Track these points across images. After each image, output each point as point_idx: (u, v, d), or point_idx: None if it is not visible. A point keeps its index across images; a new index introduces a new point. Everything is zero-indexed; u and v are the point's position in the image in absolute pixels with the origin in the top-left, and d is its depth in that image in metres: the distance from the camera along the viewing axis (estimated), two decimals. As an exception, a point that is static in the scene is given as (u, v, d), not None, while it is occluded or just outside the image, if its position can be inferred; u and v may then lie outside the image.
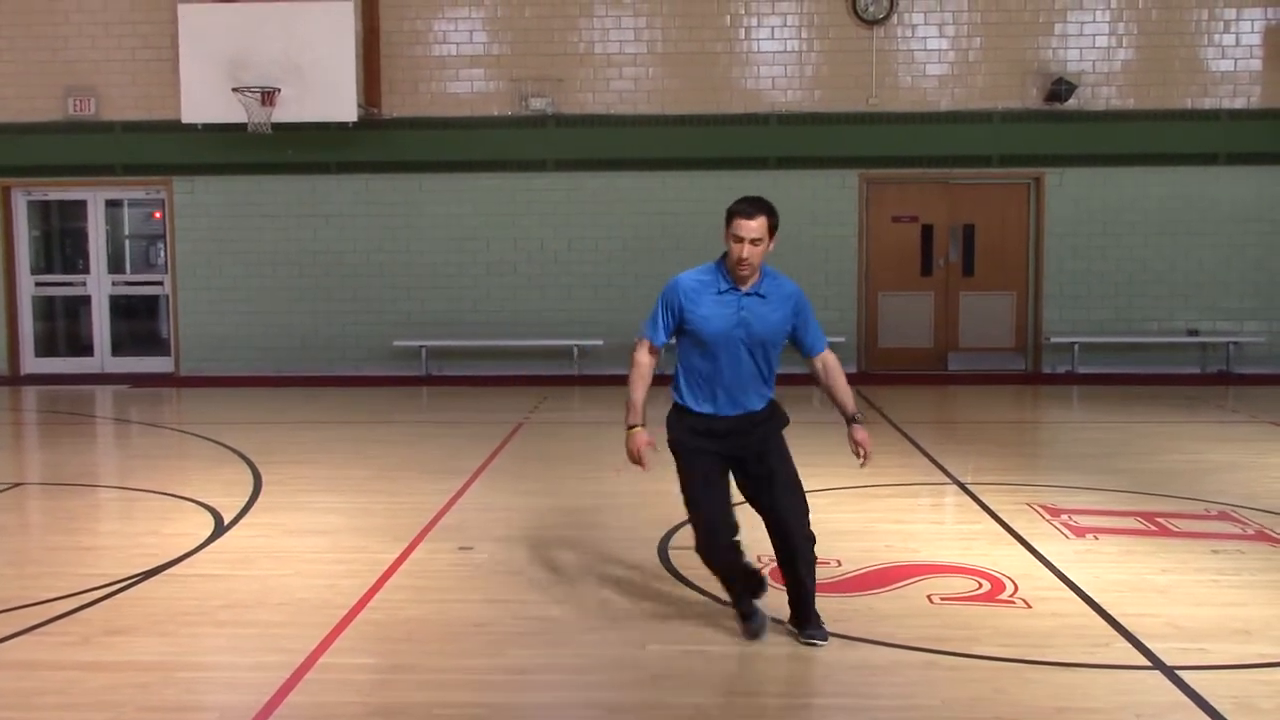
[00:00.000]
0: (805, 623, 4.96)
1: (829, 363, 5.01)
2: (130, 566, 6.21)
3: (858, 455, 5.01)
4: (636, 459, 4.86)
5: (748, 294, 4.77)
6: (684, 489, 4.89)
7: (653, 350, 4.91)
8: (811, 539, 4.88)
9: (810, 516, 4.89)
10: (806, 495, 4.91)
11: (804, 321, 4.90)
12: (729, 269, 4.77)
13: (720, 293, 4.77)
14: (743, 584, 5.02)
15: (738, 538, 4.88)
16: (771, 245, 4.73)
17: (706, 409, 4.81)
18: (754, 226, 4.64)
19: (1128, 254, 14.95)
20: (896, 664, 4.74)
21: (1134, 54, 14.81)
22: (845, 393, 5.00)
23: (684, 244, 14.53)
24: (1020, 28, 14.79)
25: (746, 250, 4.65)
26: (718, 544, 4.84)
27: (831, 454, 9.67)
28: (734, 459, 4.85)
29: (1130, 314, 15.02)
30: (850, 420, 4.98)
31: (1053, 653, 4.84)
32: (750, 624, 5.01)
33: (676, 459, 4.90)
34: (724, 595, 5.54)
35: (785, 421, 4.98)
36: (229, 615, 5.45)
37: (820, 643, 4.88)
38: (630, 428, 4.87)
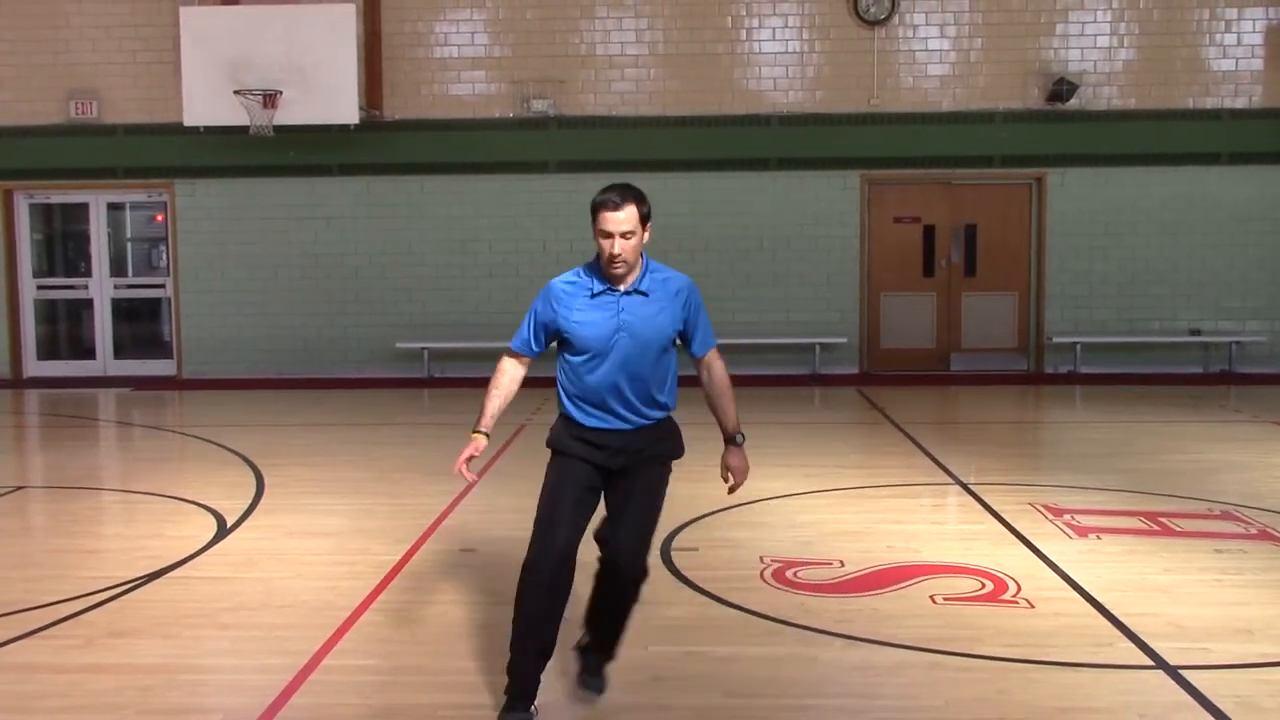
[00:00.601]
0: (590, 668, 4.44)
1: (715, 367, 4.41)
2: (133, 569, 6.21)
3: (725, 480, 4.46)
4: (460, 464, 4.34)
5: (627, 293, 4.21)
6: (542, 494, 4.30)
7: (516, 358, 4.47)
8: (637, 579, 4.29)
9: (647, 560, 4.28)
10: (652, 536, 4.31)
11: (693, 318, 4.32)
12: (602, 268, 4.21)
13: (594, 295, 4.21)
14: (521, 662, 4.22)
15: (564, 587, 4.22)
16: (646, 236, 4.17)
17: (594, 423, 4.27)
18: (622, 219, 4.07)
19: (1130, 254, 14.94)
20: (899, 664, 4.74)
21: (1135, 54, 14.80)
22: (729, 405, 4.39)
23: (685, 245, 14.54)
24: (1022, 28, 14.79)
25: (617, 245, 4.08)
26: (550, 561, 4.15)
27: (832, 455, 9.66)
28: (608, 470, 4.29)
29: (1132, 314, 15.00)
30: (728, 440, 4.41)
31: (1056, 653, 4.83)
32: (507, 715, 4.19)
33: (550, 460, 4.40)
34: (729, 597, 5.54)
35: (678, 452, 4.40)
36: (232, 617, 5.46)
37: (595, 693, 4.40)
38: (473, 432, 4.39)
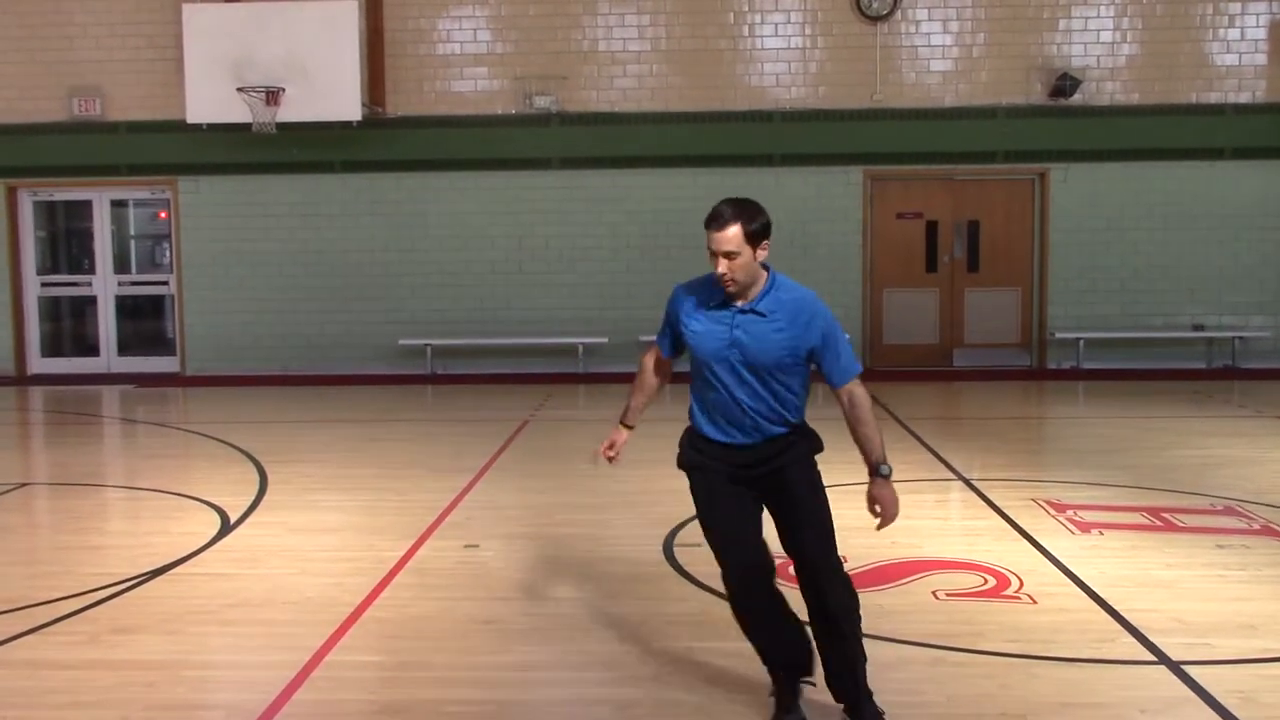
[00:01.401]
0: (853, 708, 4.11)
1: (854, 397, 4.07)
2: (137, 566, 6.23)
3: (874, 514, 4.11)
4: (600, 451, 4.38)
5: (743, 311, 3.99)
6: (699, 515, 4.21)
7: (659, 357, 4.34)
8: (848, 585, 4.10)
9: (836, 559, 4.11)
10: (834, 539, 4.10)
11: (824, 345, 4.01)
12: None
13: (711, 307, 4.05)
14: (778, 654, 4.22)
15: (768, 573, 4.14)
16: (759, 254, 3.95)
17: (717, 436, 4.10)
18: (727, 237, 3.88)
19: (1133, 249, 14.93)
20: (902, 660, 4.75)
21: (1139, 49, 14.79)
22: (872, 435, 4.05)
23: (688, 242, 14.39)
24: (1024, 23, 14.78)
25: (723, 265, 3.90)
26: (738, 576, 4.10)
27: (835, 451, 9.67)
28: (752, 484, 4.11)
29: (1135, 309, 14.99)
30: (872, 471, 4.07)
31: (1058, 648, 4.84)
32: (787, 717, 4.18)
33: (689, 479, 4.22)
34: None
35: (818, 447, 4.16)
36: (236, 614, 5.47)
37: None
38: (618, 424, 4.43)
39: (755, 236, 3.92)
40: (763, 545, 4.13)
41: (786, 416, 4.08)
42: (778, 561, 4.21)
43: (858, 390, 4.09)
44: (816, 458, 4.16)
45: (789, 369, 4.02)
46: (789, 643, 4.22)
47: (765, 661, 4.27)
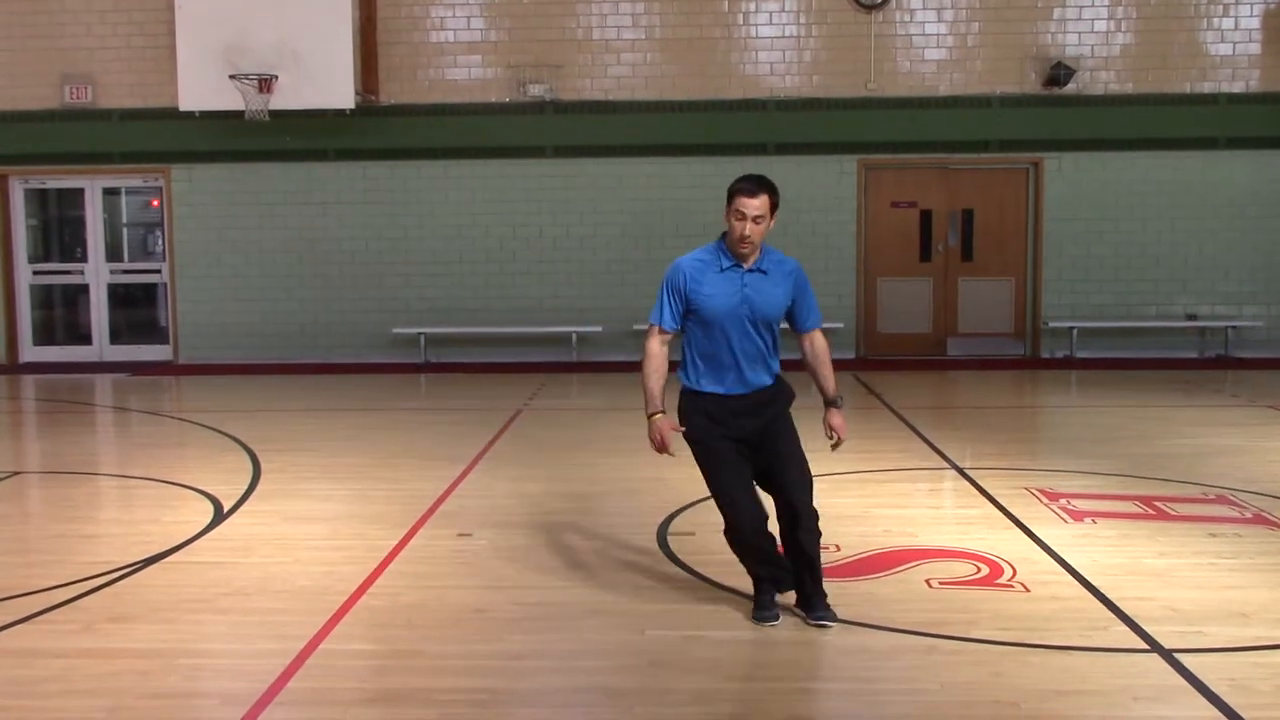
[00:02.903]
0: (813, 605, 4.98)
1: (818, 341, 5.06)
2: (130, 554, 6.22)
3: (829, 437, 5.08)
4: (661, 446, 4.93)
5: (750, 271, 4.82)
6: (707, 477, 4.95)
7: (663, 336, 4.93)
8: (816, 516, 4.93)
9: (814, 495, 4.95)
10: (811, 478, 4.96)
11: (803, 296, 4.95)
12: (729, 247, 4.83)
13: (722, 270, 4.81)
14: (769, 572, 5.04)
15: (766, 522, 4.94)
16: (772, 223, 4.79)
17: (716, 389, 4.86)
18: (756, 205, 4.68)
19: (1126, 239, 14.94)
20: (896, 648, 4.75)
21: (1133, 38, 14.78)
22: (828, 374, 5.06)
23: (682, 230, 14.51)
24: (1019, 12, 14.76)
25: (749, 228, 4.69)
26: (749, 528, 4.88)
27: (828, 439, 9.68)
28: (745, 440, 4.89)
29: (1129, 299, 15.01)
30: (829, 403, 5.05)
31: (1051, 636, 4.85)
32: (764, 613, 5.00)
33: (693, 448, 4.95)
34: (726, 581, 5.56)
35: (791, 398, 5.02)
36: (229, 602, 5.46)
37: (829, 624, 4.90)
38: (651, 415, 4.91)
39: (775, 207, 4.81)
40: (759, 499, 4.94)
41: (772, 365, 4.96)
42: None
43: (819, 336, 5.09)
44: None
45: (776, 321, 4.91)
46: (779, 565, 5.06)
47: (754, 577, 5.08)
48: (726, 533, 4.98)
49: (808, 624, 4.94)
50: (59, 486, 8.28)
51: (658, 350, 4.93)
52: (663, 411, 4.91)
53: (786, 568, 5.04)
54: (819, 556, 5.00)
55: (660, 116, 14.88)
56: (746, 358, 4.84)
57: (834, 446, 5.09)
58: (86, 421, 11.76)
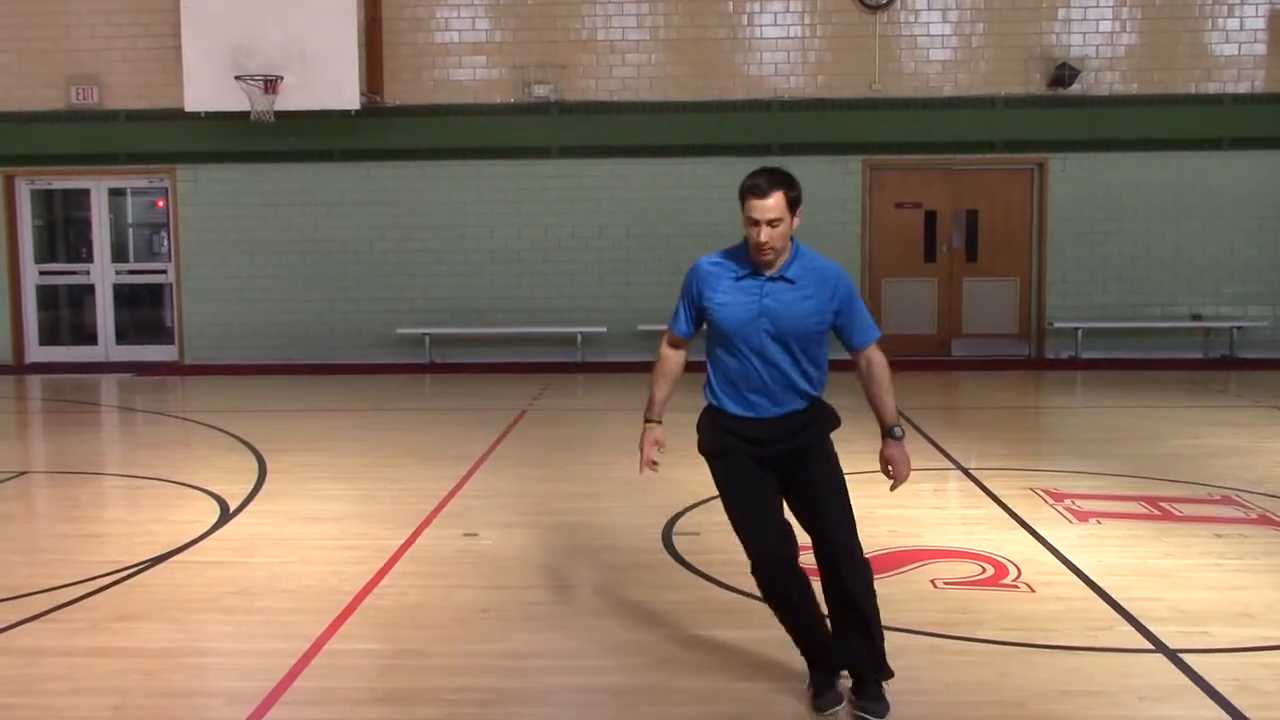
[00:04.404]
0: (863, 682, 4.17)
1: (875, 361, 4.17)
2: (137, 554, 6.24)
3: (887, 475, 4.25)
4: (642, 457, 4.31)
5: (773, 279, 4.07)
6: (724, 500, 4.22)
7: (676, 341, 4.33)
8: (865, 564, 4.17)
9: (857, 542, 4.19)
10: (853, 518, 4.20)
11: (847, 310, 4.11)
12: (750, 254, 4.09)
13: (739, 278, 4.09)
14: (807, 634, 4.28)
15: (794, 556, 4.19)
16: (795, 221, 4.06)
17: (739, 411, 4.14)
18: (770, 205, 3.96)
19: (1131, 239, 14.93)
20: (901, 648, 4.74)
21: (1137, 39, 14.77)
22: (887, 399, 4.18)
23: (687, 230, 14.51)
24: (1023, 13, 14.75)
25: (765, 233, 3.97)
26: (770, 559, 4.14)
27: (834, 440, 9.68)
28: (774, 465, 4.18)
29: (1134, 299, 15.00)
30: (885, 433, 4.19)
31: (1056, 636, 4.85)
32: (819, 700, 4.21)
33: (710, 465, 4.26)
34: (731, 581, 5.55)
35: (835, 423, 4.25)
36: (236, 602, 5.48)
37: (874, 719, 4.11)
38: (645, 422, 4.34)
39: (795, 203, 4.05)
40: (787, 529, 4.18)
41: (808, 389, 4.15)
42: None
43: (876, 355, 4.18)
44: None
45: (813, 337, 4.10)
46: (820, 630, 4.27)
47: (798, 646, 4.33)
48: (752, 570, 4.23)
49: (853, 711, 4.16)
50: (65, 486, 8.30)
51: (668, 355, 4.33)
52: (657, 421, 4.32)
53: (824, 634, 4.26)
54: (874, 617, 4.15)
55: (665, 117, 14.88)
56: (774, 379, 4.09)
57: (892, 486, 4.25)
58: (92, 421, 11.78)
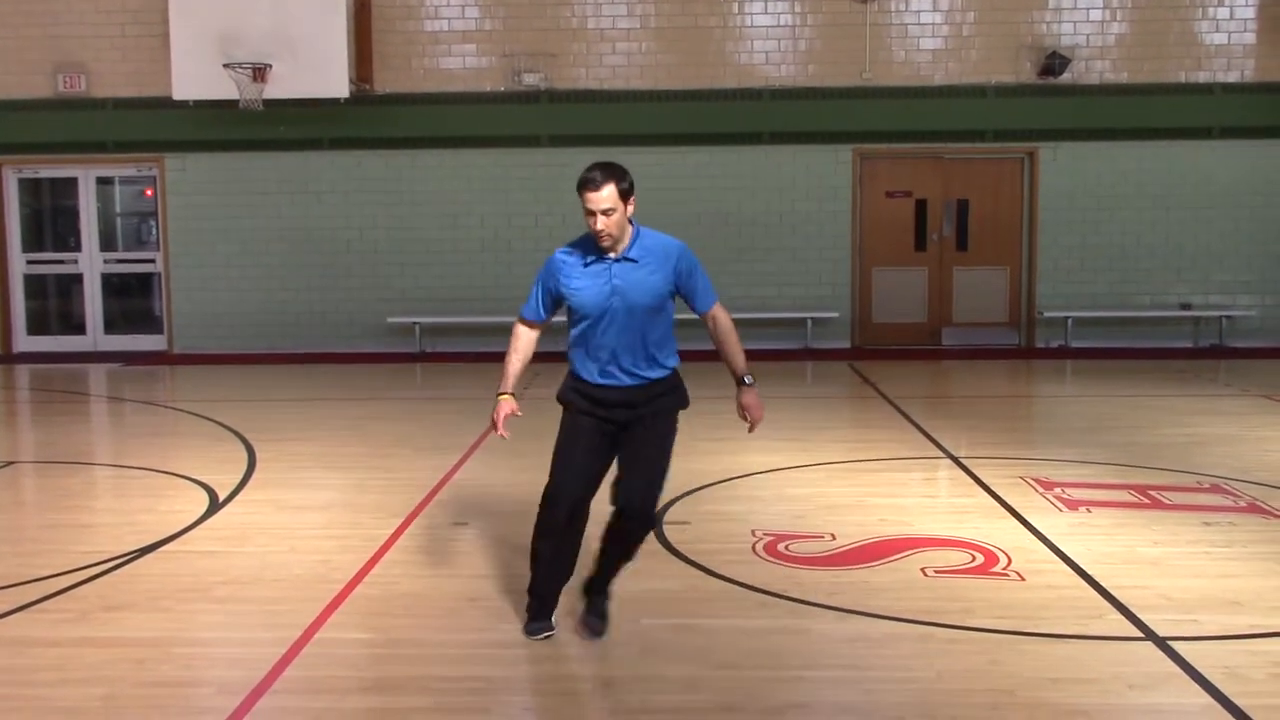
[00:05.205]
0: (591, 597, 4.84)
1: (720, 320, 4.74)
2: (126, 544, 6.22)
3: (744, 419, 4.77)
4: (496, 425, 4.74)
5: (618, 260, 4.57)
6: (556, 442, 4.73)
7: (529, 324, 4.84)
8: (646, 524, 4.69)
9: (656, 507, 4.70)
10: (664, 483, 4.67)
11: (688, 279, 4.64)
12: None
13: (588, 264, 4.60)
14: (548, 571, 4.80)
15: (581, 506, 4.70)
16: (630, 209, 4.51)
17: (599, 380, 4.63)
18: (604, 197, 4.42)
19: (1121, 228, 14.95)
20: (891, 636, 4.77)
21: (1128, 28, 14.78)
22: (736, 352, 4.73)
23: (677, 218, 14.43)
24: (1014, 2, 14.74)
25: (600, 222, 4.44)
26: (558, 494, 4.64)
27: (824, 429, 9.69)
28: (619, 427, 4.65)
29: (1124, 288, 15.03)
30: (739, 382, 4.72)
31: (1046, 624, 4.87)
32: (532, 625, 4.81)
33: (562, 415, 4.77)
34: (720, 570, 5.57)
35: (683, 403, 4.75)
36: (225, 591, 5.46)
37: (596, 634, 4.75)
38: (498, 394, 4.75)
39: (626, 193, 4.49)
40: (592, 482, 4.70)
41: (658, 358, 4.65)
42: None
43: (720, 313, 4.77)
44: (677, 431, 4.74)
45: (661, 309, 4.63)
46: (560, 579, 4.85)
47: (532, 583, 4.83)
48: (541, 500, 4.74)
49: (579, 625, 4.80)
50: (54, 476, 8.28)
51: (520, 333, 4.84)
52: (510, 394, 4.75)
53: (560, 583, 4.85)
54: (626, 558, 4.78)
55: (655, 106, 14.85)
56: (626, 349, 4.57)
57: (750, 429, 4.80)
58: (81, 411, 11.74)
